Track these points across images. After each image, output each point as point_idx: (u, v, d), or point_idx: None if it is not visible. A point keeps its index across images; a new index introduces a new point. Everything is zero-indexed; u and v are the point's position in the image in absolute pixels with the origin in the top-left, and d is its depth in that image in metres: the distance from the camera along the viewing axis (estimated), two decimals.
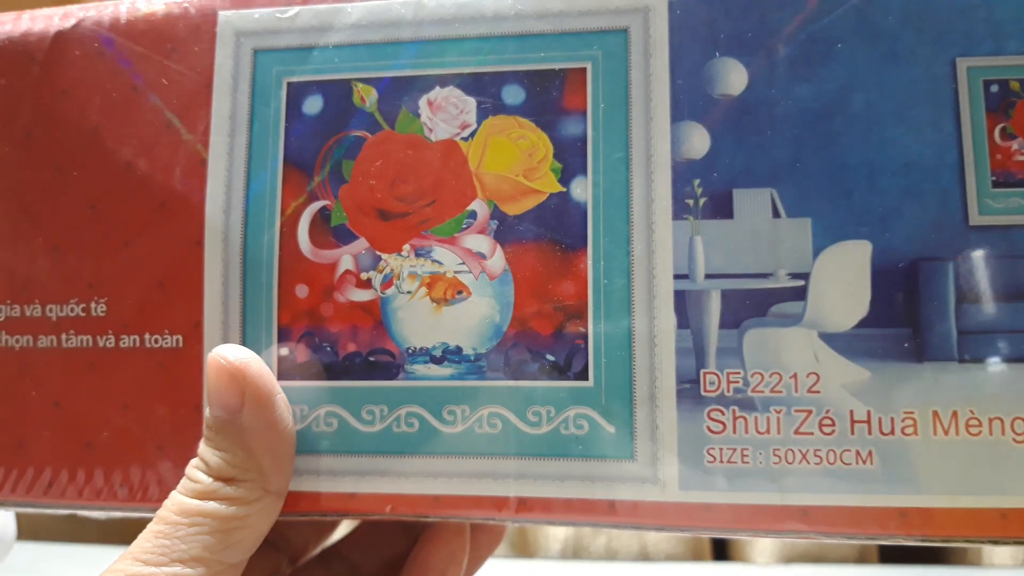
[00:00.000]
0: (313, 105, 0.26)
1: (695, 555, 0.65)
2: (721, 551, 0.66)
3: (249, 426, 0.24)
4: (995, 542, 0.23)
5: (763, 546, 0.62)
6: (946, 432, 0.23)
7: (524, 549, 0.67)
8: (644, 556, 0.65)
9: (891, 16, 0.24)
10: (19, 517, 0.45)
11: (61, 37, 0.28)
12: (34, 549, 0.60)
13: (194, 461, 0.24)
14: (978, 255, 0.23)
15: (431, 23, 0.26)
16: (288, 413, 0.25)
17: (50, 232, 0.28)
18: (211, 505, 0.23)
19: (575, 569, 0.62)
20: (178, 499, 0.24)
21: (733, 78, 0.25)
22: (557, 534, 0.65)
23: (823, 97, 0.24)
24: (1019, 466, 0.23)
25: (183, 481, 0.24)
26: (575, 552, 0.66)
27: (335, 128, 0.26)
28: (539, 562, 0.64)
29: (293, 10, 0.27)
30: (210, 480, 0.24)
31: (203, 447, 0.24)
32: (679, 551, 0.65)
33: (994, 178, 0.24)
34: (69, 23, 0.28)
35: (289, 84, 0.27)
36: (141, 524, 0.24)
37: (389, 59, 0.26)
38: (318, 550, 0.33)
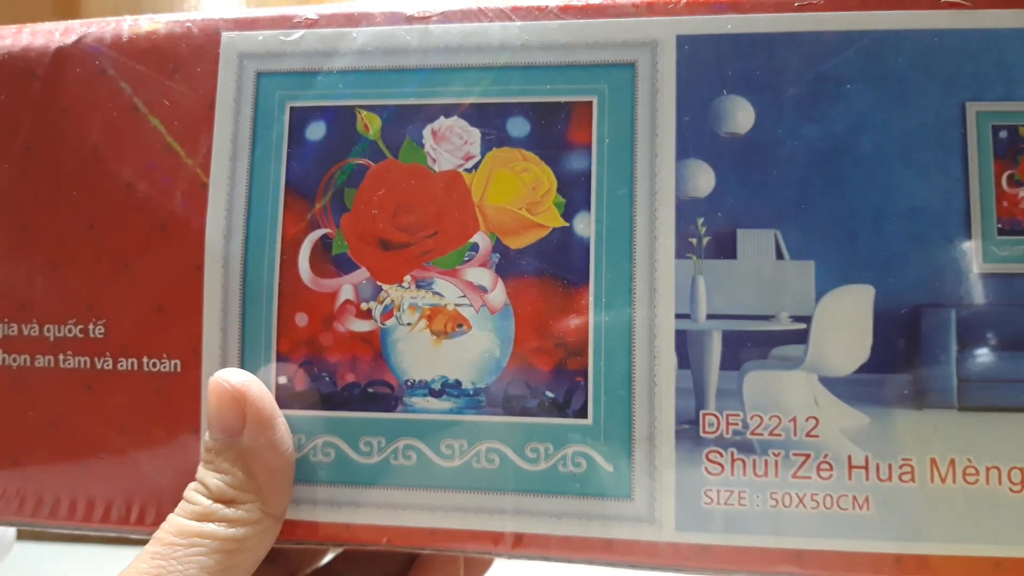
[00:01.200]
0: (316, 131, 0.26)
1: None
2: None
3: (249, 448, 0.24)
4: None
5: None
6: (943, 480, 0.23)
7: None
8: None
9: (901, 58, 0.24)
10: None
11: (62, 53, 0.28)
12: (34, 549, 0.60)
13: (192, 485, 0.24)
14: (981, 303, 0.23)
15: (437, 51, 0.26)
16: (288, 436, 0.25)
17: (48, 251, 0.27)
18: (210, 527, 0.23)
19: (575, 569, 0.62)
20: (176, 521, 0.24)
21: (740, 116, 0.24)
22: None
23: (830, 138, 0.24)
24: (1015, 516, 0.23)
25: (181, 504, 0.24)
26: None
27: (338, 155, 0.26)
28: (539, 562, 0.64)
29: (297, 33, 0.27)
30: (210, 502, 0.24)
31: (202, 470, 0.24)
32: None
33: (1000, 225, 0.23)
34: (70, 39, 0.28)
35: (292, 109, 0.26)
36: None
37: (394, 87, 0.26)
38: (315, 567, 0.33)
